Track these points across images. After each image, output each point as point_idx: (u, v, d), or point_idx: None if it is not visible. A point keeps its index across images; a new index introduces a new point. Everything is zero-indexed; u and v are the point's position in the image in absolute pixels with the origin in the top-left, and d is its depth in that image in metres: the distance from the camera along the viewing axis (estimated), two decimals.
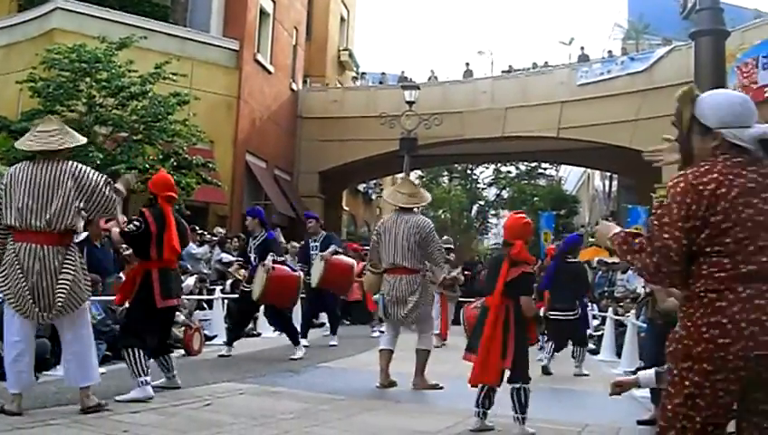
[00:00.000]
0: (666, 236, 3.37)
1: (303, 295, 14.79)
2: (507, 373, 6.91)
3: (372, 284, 9.91)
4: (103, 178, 6.89)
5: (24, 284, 6.44)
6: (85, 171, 6.80)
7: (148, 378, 7.63)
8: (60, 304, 6.51)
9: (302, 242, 15.62)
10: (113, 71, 20.09)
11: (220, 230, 20.41)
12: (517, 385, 6.83)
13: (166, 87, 21.01)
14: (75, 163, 6.88)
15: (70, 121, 19.63)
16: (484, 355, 6.79)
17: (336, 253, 14.19)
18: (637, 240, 3.53)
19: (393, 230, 9.45)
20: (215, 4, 28.87)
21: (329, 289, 14.30)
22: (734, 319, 3.20)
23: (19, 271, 6.46)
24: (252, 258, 12.25)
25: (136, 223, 7.93)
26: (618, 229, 3.74)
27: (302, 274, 13.18)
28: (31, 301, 6.46)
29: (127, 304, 8.49)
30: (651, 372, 5.12)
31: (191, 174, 21.37)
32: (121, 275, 12.40)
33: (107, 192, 6.83)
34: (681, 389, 3.32)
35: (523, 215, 7.47)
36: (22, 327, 6.59)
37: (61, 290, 6.53)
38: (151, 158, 20.52)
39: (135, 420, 6.41)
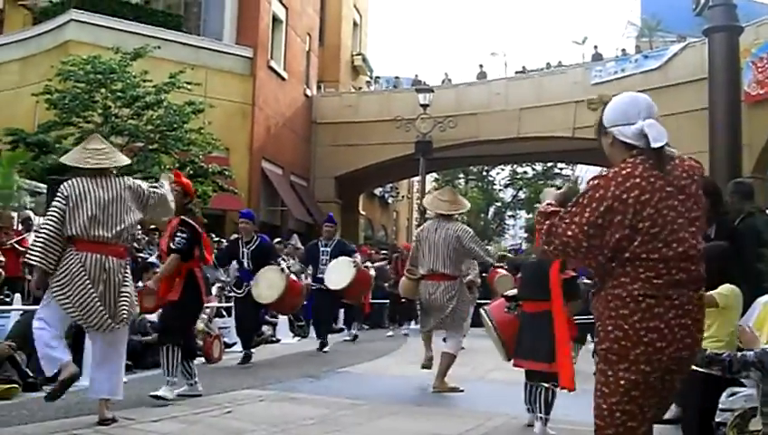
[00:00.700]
0: (569, 233, 3.49)
1: (312, 303, 14.69)
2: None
3: (409, 289, 10.00)
4: (149, 186, 7.23)
5: (93, 293, 6.48)
6: (137, 184, 7.05)
7: (176, 380, 8.00)
8: (124, 315, 6.71)
9: (311, 243, 15.21)
10: (128, 81, 20.26)
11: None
12: (546, 384, 6.81)
13: (180, 96, 21.14)
14: (127, 177, 7.18)
15: (87, 132, 19.80)
16: (563, 361, 6.67)
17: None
18: (548, 222, 3.61)
19: (433, 237, 9.54)
20: (228, 13, 29.01)
21: (343, 296, 14.06)
22: (670, 324, 3.37)
23: (87, 281, 6.48)
24: (245, 263, 11.95)
25: (184, 237, 8.09)
26: (550, 200, 3.81)
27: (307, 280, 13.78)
28: (102, 310, 6.52)
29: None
30: None
31: (207, 182, 21.48)
32: (140, 283, 12.45)
33: (157, 199, 7.12)
34: (617, 387, 3.45)
35: None
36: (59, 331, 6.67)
37: (124, 302, 6.70)
38: (167, 167, 20.57)
39: (156, 429, 6.44)
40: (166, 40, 24.59)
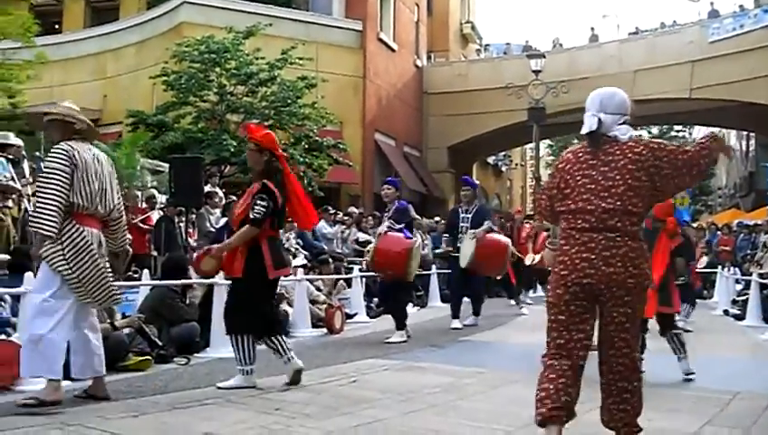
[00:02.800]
0: (541, 201, 4.99)
1: (450, 272, 13.92)
2: None
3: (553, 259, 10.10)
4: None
5: (103, 267, 6.14)
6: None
7: (253, 366, 7.09)
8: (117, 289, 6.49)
9: (453, 208, 13.97)
10: (241, 59, 20.61)
11: (355, 210, 20.62)
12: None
13: (293, 72, 21.40)
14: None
15: (204, 111, 20.29)
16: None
17: (490, 230, 12.84)
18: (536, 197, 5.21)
19: None
20: None
21: (479, 271, 13.11)
22: (572, 258, 4.52)
23: (96, 254, 6.08)
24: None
25: (263, 205, 7.01)
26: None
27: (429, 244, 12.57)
28: (111, 284, 6.25)
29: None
30: None
31: (322, 156, 21.74)
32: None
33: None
34: (547, 307, 4.69)
35: None
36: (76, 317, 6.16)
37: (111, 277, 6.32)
38: (283, 142, 20.89)
39: (285, 398, 6.54)
40: (276, 17, 24.80)
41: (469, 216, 12.88)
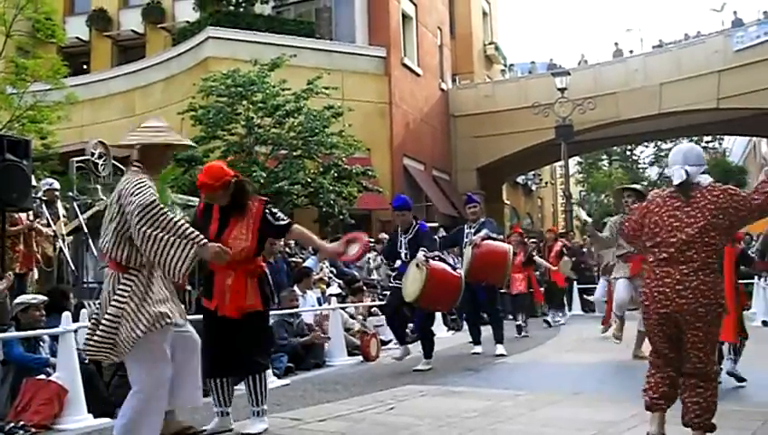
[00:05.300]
0: (628, 218, 6.10)
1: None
2: None
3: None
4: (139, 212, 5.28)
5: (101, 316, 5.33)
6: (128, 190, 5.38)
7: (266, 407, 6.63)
8: (87, 344, 5.36)
9: (457, 228, 13.07)
10: (268, 91, 20.77)
11: (385, 236, 20.61)
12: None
13: (319, 101, 21.54)
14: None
15: (232, 144, 20.42)
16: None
17: (488, 238, 11.75)
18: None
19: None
20: (358, 15, 29.32)
21: (479, 281, 11.74)
22: (652, 289, 5.40)
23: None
24: (403, 255, 10.51)
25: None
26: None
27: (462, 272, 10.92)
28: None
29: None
30: None
31: (352, 183, 21.80)
32: (295, 288, 12.69)
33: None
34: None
35: None
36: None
37: (93, 327, 5.38)
38: (312, 171, 21.04)
39: (324, 428, 6.56)
40: (300, 47, 25.02)
41: (472, 231, 12.00)
